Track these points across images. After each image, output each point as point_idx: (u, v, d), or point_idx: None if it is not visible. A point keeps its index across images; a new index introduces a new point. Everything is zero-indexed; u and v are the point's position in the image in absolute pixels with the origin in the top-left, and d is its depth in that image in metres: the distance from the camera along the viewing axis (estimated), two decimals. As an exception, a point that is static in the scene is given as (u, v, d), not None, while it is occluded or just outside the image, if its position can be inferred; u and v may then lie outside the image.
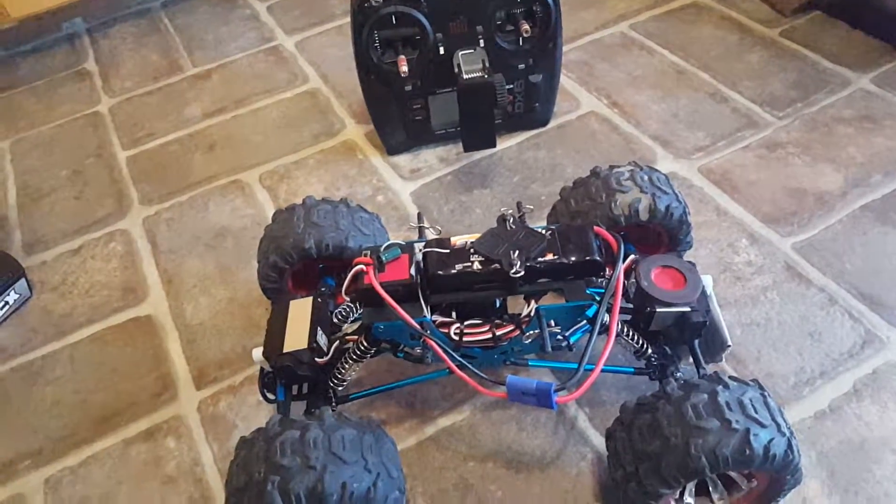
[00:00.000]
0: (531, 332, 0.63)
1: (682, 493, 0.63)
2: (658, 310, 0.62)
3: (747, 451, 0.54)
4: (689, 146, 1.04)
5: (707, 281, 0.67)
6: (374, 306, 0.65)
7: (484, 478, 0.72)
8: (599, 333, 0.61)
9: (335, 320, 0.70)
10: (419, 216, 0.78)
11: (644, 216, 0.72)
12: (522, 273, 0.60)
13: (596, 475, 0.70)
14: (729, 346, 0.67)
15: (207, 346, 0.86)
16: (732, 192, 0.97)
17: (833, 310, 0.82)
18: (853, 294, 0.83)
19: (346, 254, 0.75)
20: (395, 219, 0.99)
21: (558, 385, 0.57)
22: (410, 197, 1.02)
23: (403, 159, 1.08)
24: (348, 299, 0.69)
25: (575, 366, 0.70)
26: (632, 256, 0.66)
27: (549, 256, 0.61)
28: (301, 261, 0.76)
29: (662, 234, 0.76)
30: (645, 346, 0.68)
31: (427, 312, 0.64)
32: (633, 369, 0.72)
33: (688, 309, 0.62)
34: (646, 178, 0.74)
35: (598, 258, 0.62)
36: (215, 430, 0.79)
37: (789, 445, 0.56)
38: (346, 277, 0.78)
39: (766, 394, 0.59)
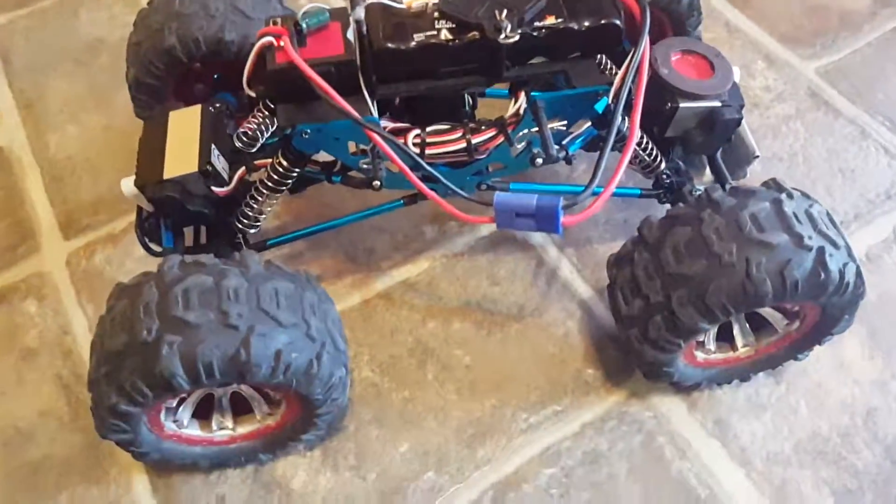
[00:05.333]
0: (524, 132, 0.45)
1: (704, 338, 0.49)
2: (682, 105, 0.48)
3: (822, 275, 0.41)
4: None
5: (735, 71, 0.51)
6: (293, 101, 0.45)
7: (447, 341, 0.56)
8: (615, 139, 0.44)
9: (239, 143, 0.51)
10: None
11: None
12: (515, 39, 0.41)
13: (587, 334, 0.56)
14: (757, 155, 0.54)
15: (78, 186, 0.66)
16: (743, 6, 0.80)
17: (866, 144, 0.68)
18: (888, 126, 0.69)
19: (230, 49, 0.55)
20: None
21: (567, 200, 0.41)
22: None
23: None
24: (252, 94, 0.49)
25: (573, 188, 0.55)
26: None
27: (552, 19, 0.43)
28: (171, 70, 0.56)
29: (664, 21, 0.60)
30: (657, 157, 0.52)
31: (373, 111, 0.45)
32: (639, 190, 0.56)
33: (718, 104, 0.48)
34: None
35: (617, 22, 0.44)
36: (90, 289, 0.60)
37: (859, 272, 0.44)
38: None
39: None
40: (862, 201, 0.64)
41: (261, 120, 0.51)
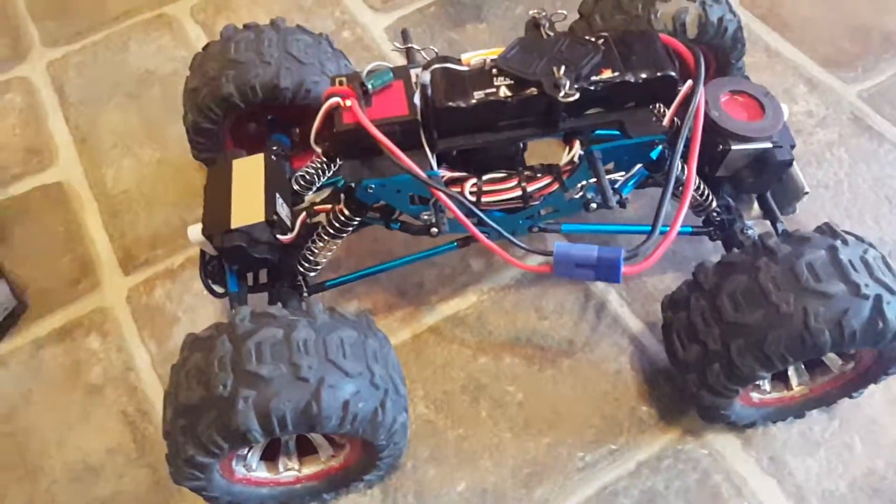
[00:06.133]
0: (580, 183, 0.46)
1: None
2: (734, 147, 0.48)
3: (880, 324, 0.41)
4: (728, -26, 0.85)
5: (784, 110, 0.51)
6: (358, 157, 0.47)
7: (499, 377, 0.57)
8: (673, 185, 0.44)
9: (296, 186, 0.52)
10: (404, 34, 0.58)
11: (692, 31, 0.58)
12: (575, 97, 0.42)
13: (640, 371, 0.56)
14: (807, 192, 0.54)
15: (135, 221, 0.68)
16: (783, 29, 0.80)
17: (912, 169, 0.67)
18: (935, 151, 0.68)
19: (284, 95, 0.56)
20: (367, 61, 0.78)
21: (628, 251, 0.41)
22: (385, 34, 0.82)
23: (374, -14, 0.86)
24: (319, 150, 0.50)
25: (625, 228, 0.56)
26: (689, 82, 0.49)
27: (608, 73, 0.44)
28: (228, 115, 0.58)
29: (708, 54, 0.60)
30: (709, 196, 0.52)
31: (433, 163, 0.46)
32: (690, 228, 0.56)
33: (769, 145, 0.49)
34: None
35: (673, 73, 0.45)
36: (152, 325, 0.62)
37: None
38: (302, 132, 0.59)
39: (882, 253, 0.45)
40: (911, 231, 0.64)
41: (318, 166, 0.52)
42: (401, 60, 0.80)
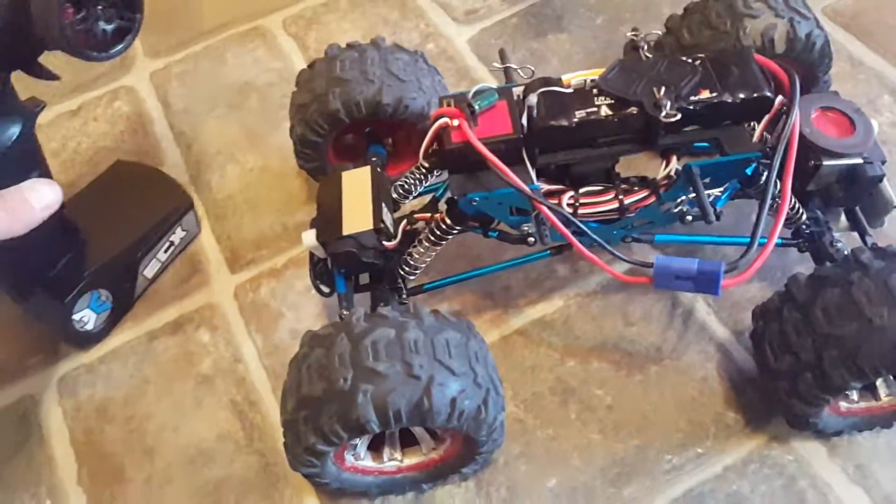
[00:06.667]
0: (678, 197, 0.48)
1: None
2: (825, 162, 0.50)
3: None
4: (811, -17, 0.85)
5: (874, 126, 0.52)
6: (464, 172, 0.50)
7: (587, 381, 0.59)
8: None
9: (395, 195, 0.56)
10: (502, 54, 0.61)
11: (780, 47, 0.58)
12: (677, 117, 0.44)
13: (726, 378, 0.58)
14: (895, 206, 0.54)
15: (240, 224, 0.72)
16: (867, 38, 0.80)
17: None
18: None
19: (386, 110, 0.60)
20: (452, 72, 0.82)
21: (728, 264, 0.43)
22: (468, 45, 0.85)
23: (456, -2, 0.89)
24: (425, 164, 0.54)
25: (718, 239, 0.58)
26: (780, 98, 0.50)
27: (706, 94, 0.46)
28: (335, 129, 0.62)
29: (797, 70, 0.60)
30: (799, 209, 0.54)
31: (534, 177, 0.49)
32: (780, 240, 0.57)
33: (860, 160, 0.50)
34: None
35: (768, 93, 0.46)
36: (258, 320, 0.66)
37: None
38: (397, 143, 0.65)
39: None
40: None
41: (417, 177, 0.56)
42: (484, 72, 0.84)
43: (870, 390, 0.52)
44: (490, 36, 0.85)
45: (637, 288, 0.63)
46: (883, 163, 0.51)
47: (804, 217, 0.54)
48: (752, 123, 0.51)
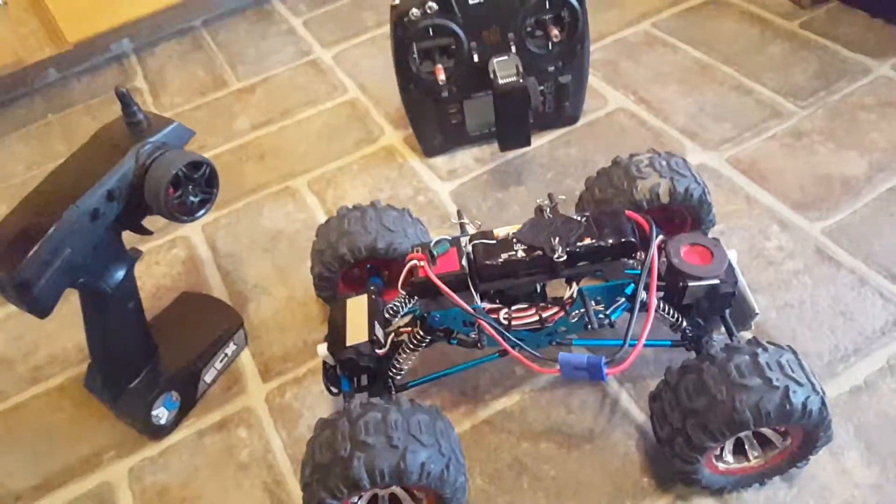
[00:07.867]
0: (576, 311, 0.68)
1: (721, 452, 0.67)
2: (690, 284, 0.67)
3: (787, 407, 0.59)
4: (716, 138, 1.08)
5: (732, 255, 0.71)
6: (429, 297, 0.70)
7: (537, 458, 0.76)
8: (639, 310, 0.65)
9: (387, 315, 0.76)
10: (459, 213, 0.83)
11: (665, 199, 0.77)
12: (565, 258, 0.65)
13: (643, 451, 0.75)
14: (756, 313, 0.71)
15: (271, 343, 0.93)
16: (761, 180, 1.01)
17: (864, 290, 0.85)
18: (883, 274, 0.86)
19: (380, 253, 0.81)
20: (437, 217, 1.04)
21: (608, 358, 0.62)
22: (450, 196, 1.08)
23: (441, 161, 1.13)
24: (404, 293, 0.74)
25: (617, 342, 0.76)
26: (660, 237, 0.70)
27: (588, 241, 0.66)
28: (343, 267, 0.83)
29: (686, 214, 0.82)
30: (679, 318, 0.72)
31: (477, 300, 0.69)
32: (669, 342, 0.76)
33: (717, 281, 0.67)
34: (664, 163, 0.79)
35: (632, 239, 0.66)
36: (283, 419, 0.85)
37: (823, 403, 0.61)
38: (391, 275, 0.86)
39: (799, 357, 0.63)
40: (860, 338, 0.80)
41: (402, 300, 0.76)
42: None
43: (742, 453, 0.68)
44: (467, 189, 1.08)
45: (576, 383, 0.82)
46: (735, 283, 0.70)
47: (685, 324, 0.73)
48: (641, 255, 0.71)
